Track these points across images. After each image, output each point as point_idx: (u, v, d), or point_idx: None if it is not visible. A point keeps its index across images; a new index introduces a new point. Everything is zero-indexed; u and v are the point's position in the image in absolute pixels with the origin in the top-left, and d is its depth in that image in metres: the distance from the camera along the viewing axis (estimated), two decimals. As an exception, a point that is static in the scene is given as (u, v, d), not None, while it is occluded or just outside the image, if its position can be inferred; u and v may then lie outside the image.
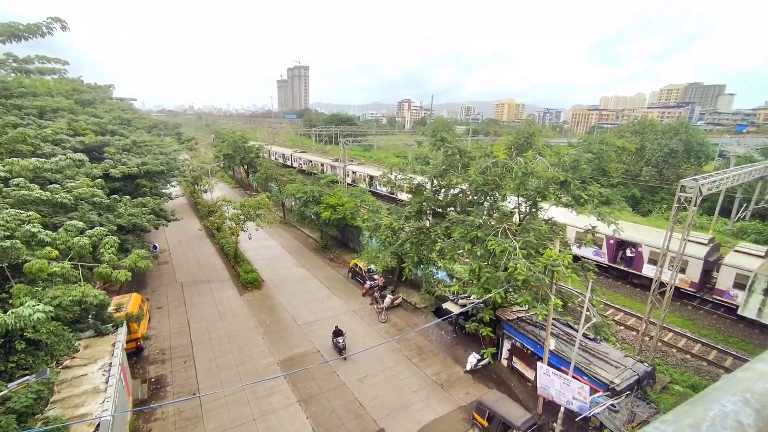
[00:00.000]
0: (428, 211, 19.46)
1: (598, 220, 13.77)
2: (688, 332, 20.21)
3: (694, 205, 14.68)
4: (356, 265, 24.90)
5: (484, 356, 16.57)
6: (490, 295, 13.67)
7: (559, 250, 13.57)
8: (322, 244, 31.06)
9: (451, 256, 17.46)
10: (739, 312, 19.83)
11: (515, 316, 17.15)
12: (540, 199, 15.86)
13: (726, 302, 21.10)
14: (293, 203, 35.60)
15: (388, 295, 21.77)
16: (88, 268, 11.09)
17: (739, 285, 20.00)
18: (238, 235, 26.72)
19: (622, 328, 20.80)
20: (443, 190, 18.79)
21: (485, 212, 17.03)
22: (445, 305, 19.69)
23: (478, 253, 14.29)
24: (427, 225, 19.45)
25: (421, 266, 20.02)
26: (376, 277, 23.21)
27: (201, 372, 16.40)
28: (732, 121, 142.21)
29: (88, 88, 34.70)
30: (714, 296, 21.65)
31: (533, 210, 16.59)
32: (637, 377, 13.38)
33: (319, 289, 24.14)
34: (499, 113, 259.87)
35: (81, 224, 11.40)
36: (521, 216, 16.61)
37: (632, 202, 41.62)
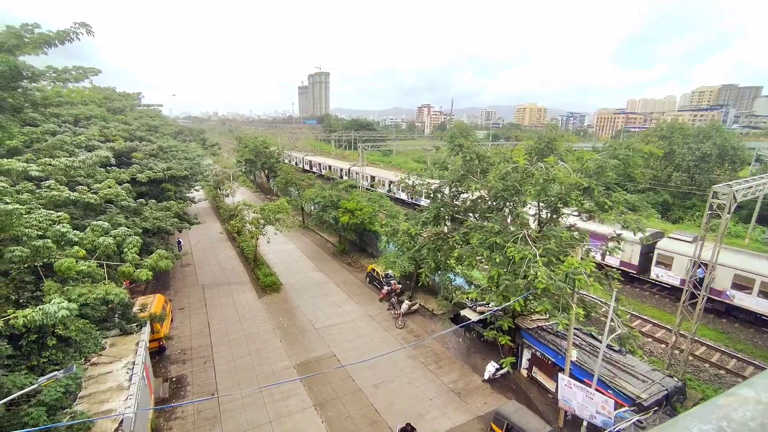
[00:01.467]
0: (446, 217, 19.30)
1: (623, 227, 13.32)
2: (722, 346, 19.21)
3: (728, 213, 13.98)
4: (374, 270, 24.91)
5: (503, 365, 16.19)
6: (509, 303, 13.37)
7: (581, 258, 13.20)
8: (340, 249, 31.25)
9: (470, 263, 17.20)
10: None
11: (535, 325, 16.74)
12: (561, 206, 15.50)
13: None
14: (312, 208, 36.04)
15: (406, 301, 21.65)
16: (114, 268, 11.52)
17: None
18: (257, 239, 27.20)
19: (650, 340, 19.95)
20: (461, 195, 18.61)
21: (507, 218, 16.75)
22: (462, 312, 19.41)
23: (497, 260, 14.03)
24: (445, 231, 19.29)
25: (439, 272, 19.80)
26: (393, 282, 23.14)
27: (220, 373, 16.72)
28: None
29: (119, 96, 36.30)
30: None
31: (554, 216, 16.21)
32: (666, 392, 12.79)
33: (337, 294, 24.25)
34: (521, 117, 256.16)
35: (106, 224, 11.86)
36: (542, 223, 16.25)
37: (662, 209, 40.04)
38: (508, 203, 16.30)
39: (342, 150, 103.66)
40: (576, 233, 15.61)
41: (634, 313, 22.01)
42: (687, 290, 15.36)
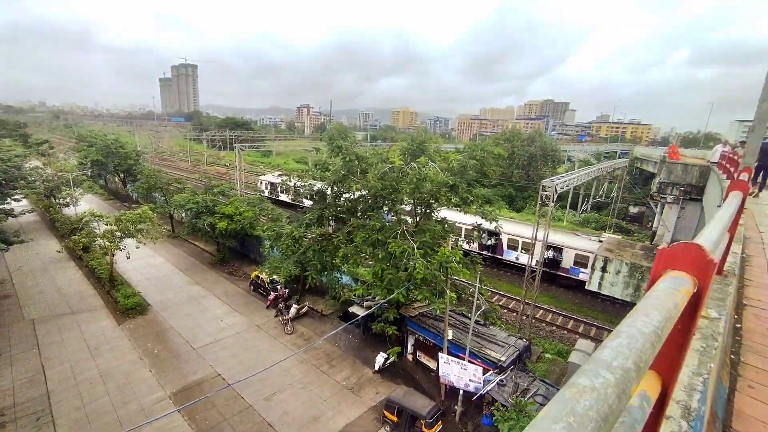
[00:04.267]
0: (330, 218, 19.30)
1: (482, 218, 15.30)
2: (553, 308, 23.77)
3: (552, 201, 17.33)
4: (258, 276, 23.43)
5: (391, 354, 17.06)
6: (393, 295, 14.10)
7: (451, 248, 14.72)
8: (219, 258, 28.47)
9: (354, 261, 17.57)
10: (586, 287, 24.08)
11: (417, 313, 18.03)
12: (433, 202, 17.01)
13: (572, 278, 25.55)
14: (183, 215, 31.93)
15: (294, 305, 20.95)
16: None
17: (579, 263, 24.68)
18: (113, 255, 22.90)
19: (505, 311, 23.47)
20: (344, 195, 18.84)
21: (387, 216, 17.57)
22: (351, 309, 19.72)
23: (380, 256, 14.66)
24: (330, 231, 19.28)
25: (326, 273, 19.69)
26: (279, 287, 22.15)
27: (63, 427, 13.40)
28: (575, 131, 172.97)
29: None
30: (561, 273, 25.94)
31: (428, 212, 17.69)
32: (518, 352, 15.20)
33: (218, 307, 22.04)
34: (396, 120, 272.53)
35: None
36: (417, 218, 17.56)
37: (509, 200, 47.49)
38: (387, 201, 17.11)
39: (216, 151, 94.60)
40: (446, 225, 17.37)
41: (493, 290, 25.57)
42: (528, 266, 18.55)
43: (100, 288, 23.61)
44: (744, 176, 5.42)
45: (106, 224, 22.74)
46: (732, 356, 3.18)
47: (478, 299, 14.71)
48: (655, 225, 30.10)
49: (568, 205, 40.49)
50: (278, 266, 19.32)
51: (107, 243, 22.25)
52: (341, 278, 23.18)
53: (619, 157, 56.69)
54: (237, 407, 14.50)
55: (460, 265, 13.75)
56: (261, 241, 26.44)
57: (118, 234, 22.19)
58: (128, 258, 23.44)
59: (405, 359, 18.07)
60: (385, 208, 17.74)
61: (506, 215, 33.54)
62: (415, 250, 13.79)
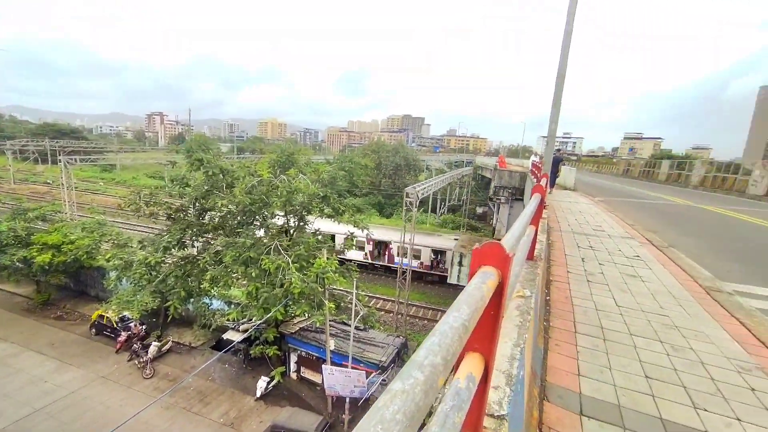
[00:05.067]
0: (194, 238, 17.21)
1: (355, 226, 15.80)
2: (424, 303, 26.07)
3: (415, 207, 19.06)
4: (102, 316, 19.23)
5: (274, 377, 16.06)
6: (270, 313, 13.35)
7: (327, 258, 14.76)
8: (40, 301, 22.30)
9: (226, 282, 16.03)
10: (448, 280, 27.20)
11: (298, 328, 17.45)
12: (306, 213, 16.81)
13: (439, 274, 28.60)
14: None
15: (153, 343, 17.87)
16: None
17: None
18: None
19: (383, 312, 24.66)
20: (209, 212, 17.06)
21: (258, 231, 16.56)
22: (225, 336, 17.91)
23: (254, 274, 13.71)
24: (195, 253, 17.19)
25: (192, 300, 17.41)
26: (133, 325, 18.62)
27: None
28: (431, 143, 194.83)
29: None
30: (435, 271, 28.82)
31: (301, 224, 17.38)
32: (396, 350, 16.11)
33: (40, 365, 17.20)
34: (264, 131, 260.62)
35: None
36: (291, 231, 17.08)
37: (379, 208, 50.28)
38: (257, 216, 16.18)
39: (32, 164, 74.18)
40: (320, 236, 17.35)
41: (370, 294, 26.59)
42: (400, 267, 19.95)
43: None
44: (543, 181, 6.92)
45: None
46: (545, 323, 3.99)
47: (356, 305, 15.08)
48: (494, 222, 35.98)
49: (429, 209, 45.16)
50: (130, 300, 16.22)
51: None
52: (211, 303, 20.80)
53: (466, 166, 66.04)
54: (77, 484, 11.54)
55: (336, 275, 13.89)
56: (105, 272, 21.77)
57: None
58: None
59: (289, 379, 17.24)
60: (256, 223, 16.74)
61: (377, 222, 35.41)
62: (291, 265, 13.37)
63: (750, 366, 3.49)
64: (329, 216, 16.70)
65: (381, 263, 30.64)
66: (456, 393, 1.07)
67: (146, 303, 16.16)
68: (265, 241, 15.31)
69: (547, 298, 4.60)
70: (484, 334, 1.28)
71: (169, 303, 16.16)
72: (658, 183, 31.23)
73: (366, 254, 30.33)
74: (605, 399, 2.86)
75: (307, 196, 14.99)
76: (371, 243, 29.61)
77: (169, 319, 18.63)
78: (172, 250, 16.36)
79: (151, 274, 16.23)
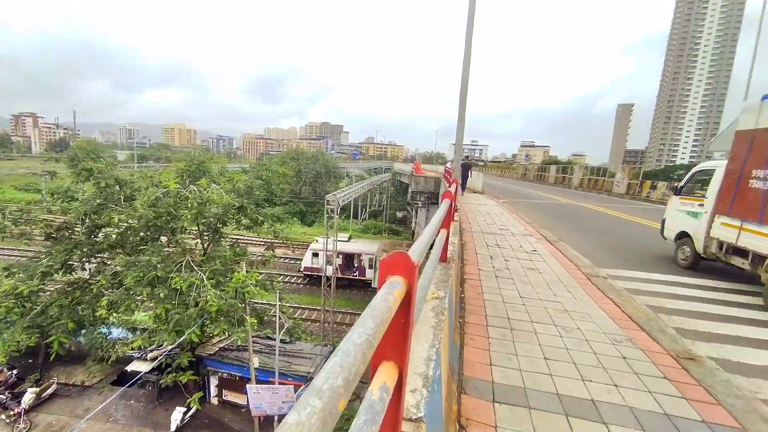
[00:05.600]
0: (84, 260, 14.80)
1: (275, 237, 15.12)
2: (350, 309, 25.95)
3: (336, 214, 18.96)
4: (-48, 365, 15.41)
5: (191, 405, 14.48)
6: (184, 336, 12.04)
7: (246, 271, 13.86)
8: None
9: (128, 306, 14.03)
10: (372, 285, 27.50)
11: (217, 349, 16.07)
12: (221, 226, 15.63)
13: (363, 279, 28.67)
14: None
15: (29, 390, 14.86)
16: None
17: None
18: None
19: (309, 322, 23.94)
20: (103, 229, 14.85)
21: (166, 247, 14.89)
22: (130, 368, 15.72)
23: (162, 295, 12.25)
24: (86, 277, 14.81)
25: (84, 331, 14.87)
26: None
27: None
28: (350, 150, 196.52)
29: None
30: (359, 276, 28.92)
31: (217, 237, 16.10)
32: (325, 359, 15.76)
33: None
34: (170, 138, 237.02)
35: None
36: (205, 245, 15.73)
37: (300, 216, 48.93)
38: (164, 231, 14.57)
39: None
40: (238, 248, 16.24)
41: (295, 305, 25.64)
42: (324, 275, 19.62)
43: None
44: (452, 187, 7.41)
45: None
46: (461, 319, 4.24)
47: (280, 318, 14.40)
48: (413, 225, 37.50)
49: (351, 215, 45.31)
50: (-8, 341, 13.25)
51: None
52: (110, 333, 18.02)
53: (384, 173, 67.83)
54: None
55: (258, 288, 13.13)
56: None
57: None
58: None
59: (209, 405, 15.73)
60: (163, 239, 15.04)
61: (299, 231, 34.45)
62: (206, 281, 12.28)
63: (621, 338, 4.13)
64: (247, 227, 15.79)
65: (352, 276, 29.32)
66: (369, 406, 1.05)
67: (17, 342, 13.31)
68: (174, 257, 13.85)
69: (462, 295, 4.91)
70: (395, 343, 1.29)
71: (51, 338, 13.55)
72: (548, 185, 35.72)
73: (336, 268, 28.87)
74: (513, 384, 3.12)
75: (222, 207, 13.96)
76: (341, 256, 28.34)
77: (52, 357, 15.68)
78: (55, 275, 13.86)
79: (24, 306, 13.46)
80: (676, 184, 9.96)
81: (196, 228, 15.07)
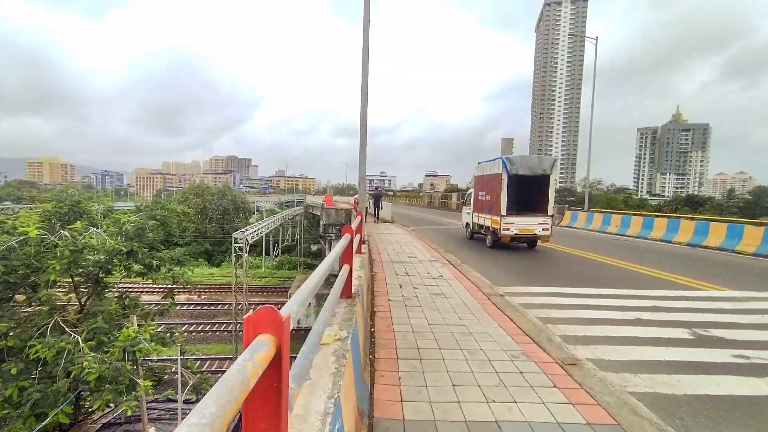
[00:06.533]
0: None
1: (174, 282, 13.41)
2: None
3: (246, 252, 17.70)
4: None
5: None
6: (47, 420, 9.60)
7: (139, 325, 11.88)
8: None
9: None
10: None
11: (100, 425, 13.22)
12: (104, 275, 13.30)
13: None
14: None
15: None
16: None
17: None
18: None
19: (220, 374, 21.31)
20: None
21: (24, 308, 12.02)
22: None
23: (14, 372, 9.71)
24: None
25: None
26: None
27: None
28: (260, 184, 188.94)
29: None
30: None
31: (98, 289, 13.60)
32: (240, 413, 14.02)
33: None
34: (37, 174, 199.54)
35: None
36: (83, 299, 13.15)
37: (207, 256, 44.50)
38: (20, 288, 11.83)
39: None
40: (128, 300, 13.92)
41: (203, 356, 22.71)
42: (234, 319, 17.88)
43: None
44: (356, 220, 7.48)
45: None
46: (371, 356, 4.12)
47: (183, 375, 12.54)
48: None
49: (264, 251, 42.77)
50: None
51: None
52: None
53: (296, 206, 66.21)
54: None
55: (154, 344, 11.30)
56: None
57: None
58: None
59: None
60: (19, 296, 12.16)
61: (206, 273, 31.23)
62: (81, 344, 10.16)
63: (518, 353, 4.44)
64: (141, 274, 13.74)
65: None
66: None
67: None
68: (37, 319, 11.29)
69: (372, 329, 4.82)
70: (268, 412, 1.13)
71: None
72: (451, 211, 38.69)
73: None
74: (424, 418, 3.08)
75: (105, 254, 11.95)
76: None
77: None
78: None
79: None
80: (463, 199, 19.50)
81: (70, 280, 12.58)
